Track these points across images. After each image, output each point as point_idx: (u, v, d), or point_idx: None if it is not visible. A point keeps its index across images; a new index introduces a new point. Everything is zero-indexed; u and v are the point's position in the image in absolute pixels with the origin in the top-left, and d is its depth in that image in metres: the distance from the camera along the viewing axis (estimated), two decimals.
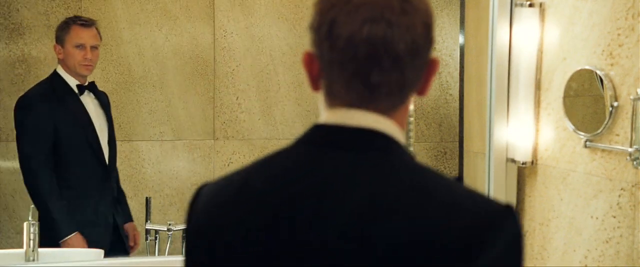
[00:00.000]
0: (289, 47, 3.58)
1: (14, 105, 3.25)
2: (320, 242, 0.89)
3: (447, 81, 3.24)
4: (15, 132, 2.96)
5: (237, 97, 3.55)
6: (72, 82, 2.87)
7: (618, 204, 2.17)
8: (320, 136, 0.98)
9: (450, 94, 3.22)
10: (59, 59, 2.87)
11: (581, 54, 2.35)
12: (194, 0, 3.48)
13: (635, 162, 2.07)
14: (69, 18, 2.93)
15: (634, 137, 2.08)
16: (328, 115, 0.98)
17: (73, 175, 2.83)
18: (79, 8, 3.38)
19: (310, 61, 1.00)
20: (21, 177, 3.38)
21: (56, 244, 2.75)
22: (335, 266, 0.88)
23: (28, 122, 2.82)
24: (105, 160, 2.87)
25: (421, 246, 0.87)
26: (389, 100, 0.97)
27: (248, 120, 3.58)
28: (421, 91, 1.00)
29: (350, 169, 0.93)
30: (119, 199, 2.98)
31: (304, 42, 3.58)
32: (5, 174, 3.37)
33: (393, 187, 0.91)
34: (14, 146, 3.36)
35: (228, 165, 3.56)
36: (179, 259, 2.82)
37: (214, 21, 3.51)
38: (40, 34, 3.35)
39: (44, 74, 3.36)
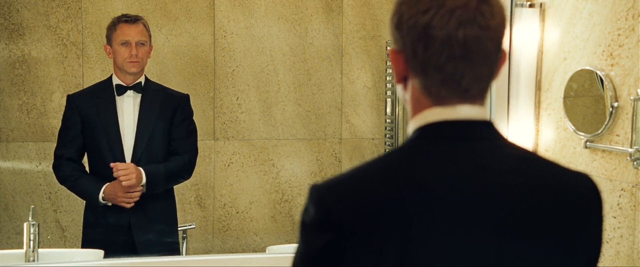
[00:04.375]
0: (289, 47, 3.58)
1: (14, 105, 3.26)
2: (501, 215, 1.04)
3: None
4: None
5: (237, 97, 3.55)
6: (116, 81, 2.86)
7: (618, 204, 2.16)
8: (444, 131, 1.08)
9: None
10: (112, 59, 2.86)
11: (581, 54, 2.35)
12: (194, 0, 3.48)
13: (635, 163, 2.07)
14: (116, 17, 2.86)
15: (634, 138, 2.08)
16: (439, 113, 1.08)
17: (97, 173, 2.85)
18: (79, 8, 3.38)
19: (396, 58, 1.10)
20: (21, 177, 3.39)
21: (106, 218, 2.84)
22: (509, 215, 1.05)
23: (64, 116, 2.91)
24: (123, 161, 2.83)
25: (562, 192, 1.09)
26: (482, 93, 1.10)
27: (248, 120, 3.57)
28: (494, 78, 1.12)
29: (482, 153, 1.08)
30: (150, 201, 2.88)
31: (304, 42, 3.58)
32: (6, 174, 3.37)
33: (522, 159, 1.09)
34: (14, 145, 3.37)
35: (228, 165, 3.56)
36: (179, 259, 2.82)
37: (214, 21, 3.51)
38: (40, 34, 3.35)
39: (44, 74, 3.37)
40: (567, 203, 1.08)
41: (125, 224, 2.84)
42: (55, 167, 2.89)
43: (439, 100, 1.07)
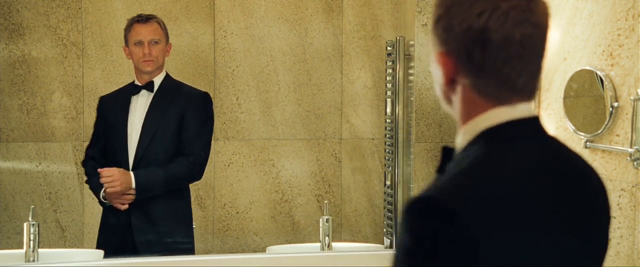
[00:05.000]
0: (289, 47, 3.58)
1: (14, 105, 3.26)
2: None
3: None
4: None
5: (237, 97, 3.55)
6: (134, 81, 2.91)
7: (618, 204, 2.16)
8: (512, 131, 1.11)
9: None
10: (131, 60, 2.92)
11: (581, 54, 2.35)
12: (194, 0, 3.48)
13: (635, 163, 2.07)
14: (131, 18, 2.92)
15: (634, 138, 2.08)
16: (505, 113, 1.10)
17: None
18: (79, 8, 3.38)
19: (444, 61, 1.11)
20: (21, 177, 3.39)
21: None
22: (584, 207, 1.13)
23: (96, 115, 3.02)
24: (127, 161, 2.85)
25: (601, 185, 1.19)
26: (534, 90, 1.13)
27: (248, 120, 3.57)
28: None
29: (543, 150, 1.13)
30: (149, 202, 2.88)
31: (304, 42, 3.58)
32: (6, 174, 3.37)
33: (572, 156, 1.18)
34: (14, 146, 3.37)
35: (228, 165, 3.56)
36: (179, 259, 2.82)
37: (214, 21, 3.51)
38: (40, 34, 3.35)
39: (44, 74, 3.37)
40: (603, 199, 1.18)
41: (131, 223, 2.85)
42: (83, 164, 3.02)
43: (500, 100, 1.10)
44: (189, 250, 2.97)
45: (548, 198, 1.08)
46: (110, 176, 2.79)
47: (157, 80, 2.89)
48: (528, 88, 1.11)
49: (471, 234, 1.00)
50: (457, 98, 1.13)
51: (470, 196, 1.03)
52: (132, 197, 2.81)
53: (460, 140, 1.14)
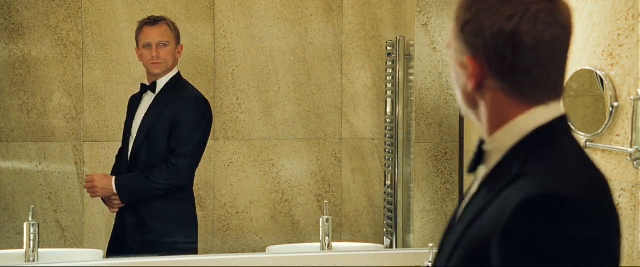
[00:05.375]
0: (289, 47, 3.58)
1: (14, 105, 3.27)
2: None
3: (447, 82, 3.24)
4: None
5: (237, 97, 3.55)
6: (145, 81, 2.96)
7: (618, 204, 2.17)
8: (560, 128, 1.13)
9: (450, 94, 3.22)
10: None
11: (581, 54, 2.35)
12: (194, 0, 3.48)
13: (635, 163, 2.07)
14: (141, 20, 2.94)
15: (634, 138, 2.08)
16: (547, 112, 1.11)
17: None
18: (79, 8, 3.38)
19: (473, 65, 1.12)
20: (21, 177, 3.39)
21: None
22: None
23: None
24: (127, 158, 2.88)
25: None
26: (562, 88, 1.16)
27: (248, 120, 3.57)
28: None
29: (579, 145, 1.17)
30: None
31: (304, 42, 3.58)
32: (5, 174, 3.37)
33: None
34: (14, 145, 3.37)
35: (228, 165, 3.56)
36: (178, 259, 2.82)
37: (214, 21, 3.51)
38: (40, 34, 3.35)
39: (44, 74, 3.37)
40: None
41: (133, 224, 2.87)
42: None
43: (534, 101, 1.11)
44: (193, 250, 2.97)
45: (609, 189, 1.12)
46: (90, 182, 2.82)
47: (162, 81, 2.90)
48: (559, 88, 1.13)
49: (612, 224, 1.06)
50: (485, 101, 1.14)
51: (585, 194, 1.04)
52: (118, 202, 2.83)
53: (502, 141, 1.13)
